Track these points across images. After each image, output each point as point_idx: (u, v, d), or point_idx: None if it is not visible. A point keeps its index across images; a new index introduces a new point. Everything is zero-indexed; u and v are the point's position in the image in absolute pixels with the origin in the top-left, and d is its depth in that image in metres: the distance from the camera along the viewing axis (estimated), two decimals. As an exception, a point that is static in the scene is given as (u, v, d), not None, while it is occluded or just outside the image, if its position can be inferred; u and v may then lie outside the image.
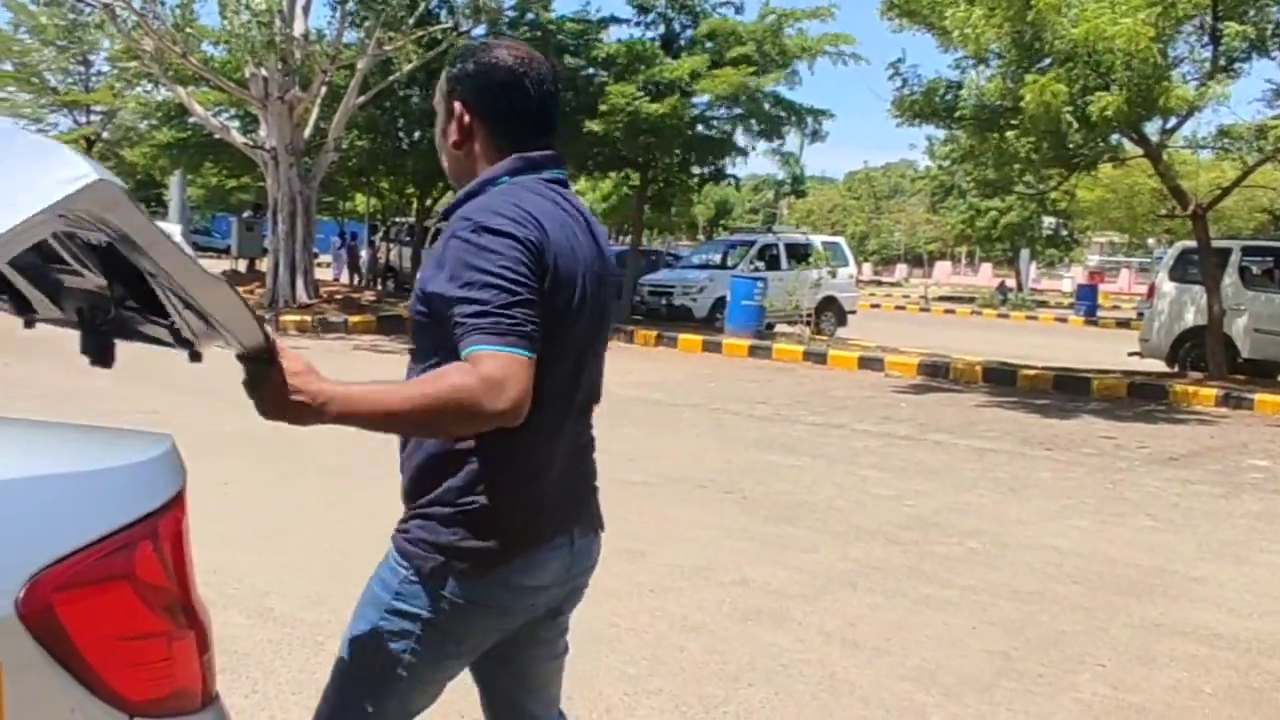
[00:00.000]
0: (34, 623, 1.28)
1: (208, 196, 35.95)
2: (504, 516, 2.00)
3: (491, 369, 1.75)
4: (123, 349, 1.85)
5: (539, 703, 2.40)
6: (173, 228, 1.71)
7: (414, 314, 2.01)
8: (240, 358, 1.68)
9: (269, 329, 1.69)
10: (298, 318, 18.33)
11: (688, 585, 5.48)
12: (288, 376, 1.70)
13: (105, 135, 37.07)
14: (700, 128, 20.20)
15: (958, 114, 14.53)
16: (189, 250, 1.43)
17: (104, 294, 1.66)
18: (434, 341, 1.95)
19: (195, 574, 1.53)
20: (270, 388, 1.70)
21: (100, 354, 1.75)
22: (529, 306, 1.84)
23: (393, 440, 2.09)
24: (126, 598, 1.37)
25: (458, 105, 2.09)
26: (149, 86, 25.11)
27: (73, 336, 1.83)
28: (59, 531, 1.33)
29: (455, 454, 1.97)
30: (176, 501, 1.46)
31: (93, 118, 37.49)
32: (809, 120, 21.31)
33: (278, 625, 4.61)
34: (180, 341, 1.70)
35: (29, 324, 2.04)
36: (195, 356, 1.75)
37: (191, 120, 22.54)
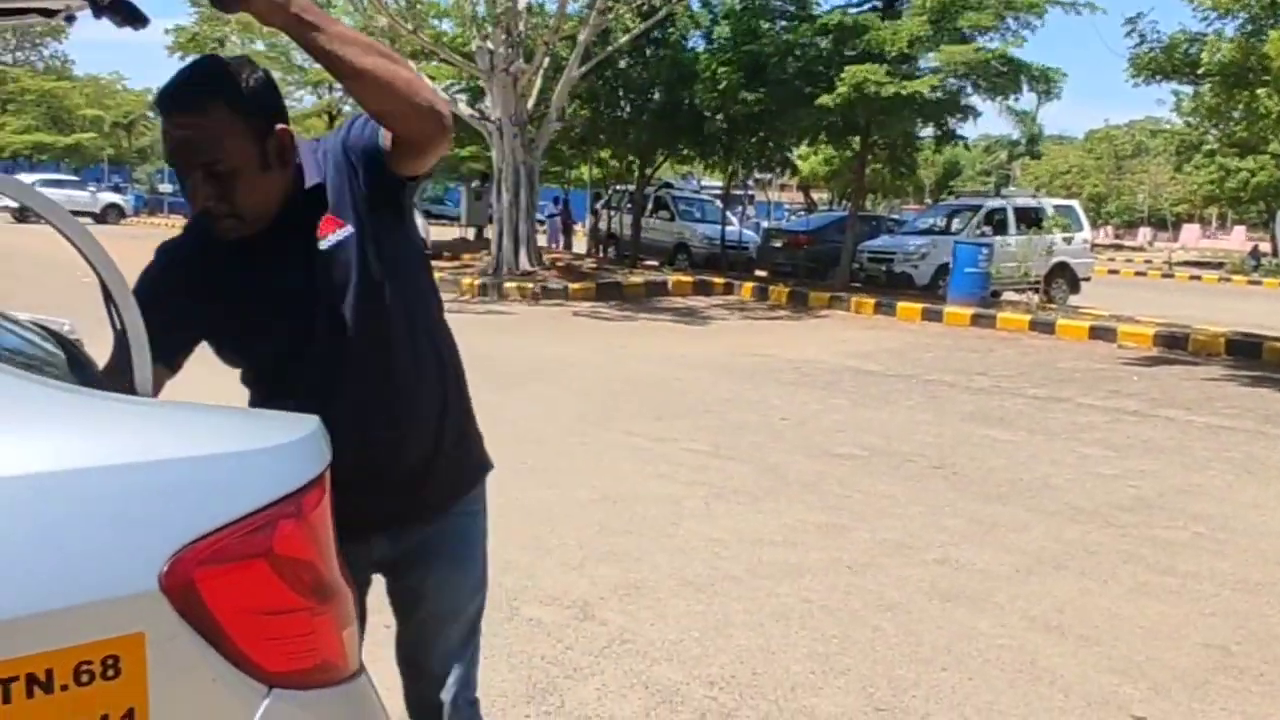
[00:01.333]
0: (177, 596, 1.35)
1: (440, 166, 37.26)
2: None
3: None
4: None
5: None
6: None
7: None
8: None
9: None
10: (519, 284, 18.85)
11: (887, 562, 5.37)
12: None
13: (345, 109, 38.96)
14: (926, 91, 19.52)
15: (1201, 70, 13.59)
16: None
17: None
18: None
19: (336, 551, 1.59)
20: None
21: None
22: None
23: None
24: (267, 574, 1.43)
25: (281, 128, 2.02)
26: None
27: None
28: (203, 509, 1.39)
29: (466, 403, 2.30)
30: (319, 481, 1.51)
31: (334, 92, 39.48)
32: (1039, 81, 20.32)
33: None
34: None
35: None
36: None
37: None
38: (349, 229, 2.05)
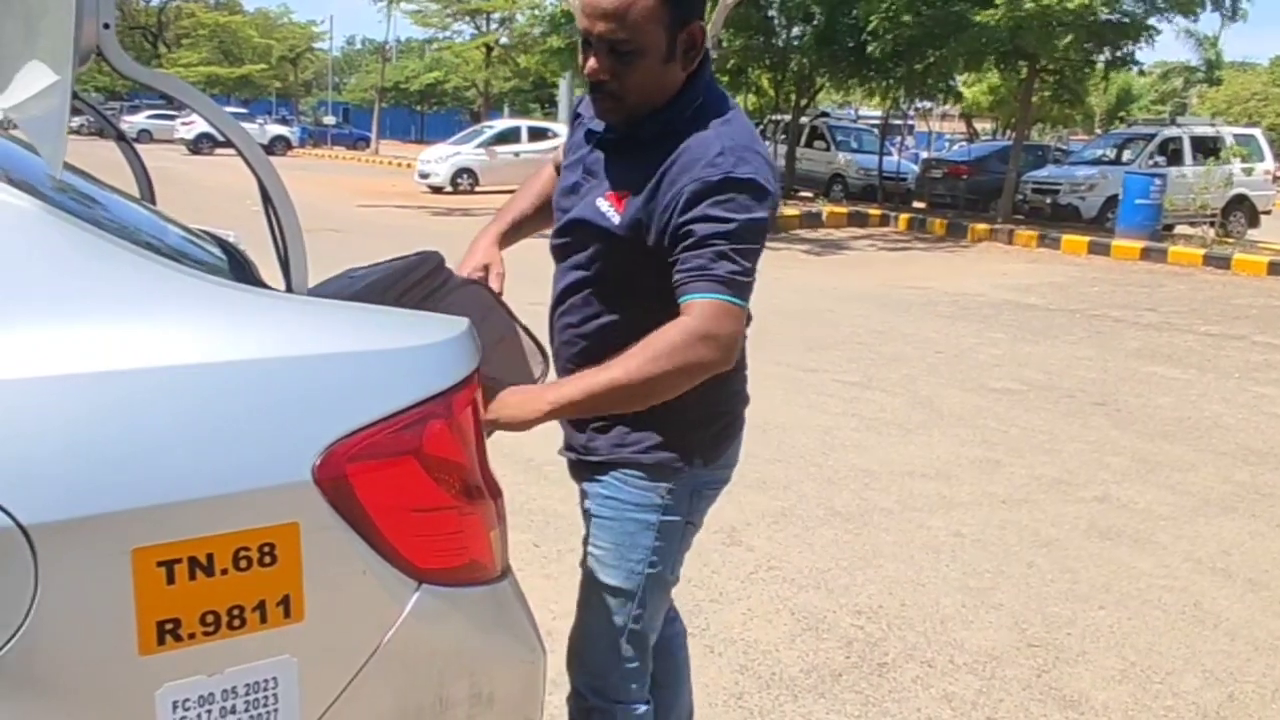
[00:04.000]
0: (329, 489, 1.39)
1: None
2: (725, 407, 2.18)
3: (716, 319, 1.84)
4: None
5: None
6: None
7: (616, 228, 1.99)
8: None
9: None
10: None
11: (1044, 498, 5.23)
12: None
13: (503, 41, 39.30)
14: (1101, 9, 18.47)
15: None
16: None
17: None
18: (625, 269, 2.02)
19: (486, 452, 1.61)
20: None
21: None
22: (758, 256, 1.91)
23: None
24: (417, 472, 1.46)
25: (698, 24, 1.95)
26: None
27: None
28: (354, 405, 1.43)
29: None
30: (468, 383, 1.53)
31: (492, 25, 39.79)
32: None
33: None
34: None
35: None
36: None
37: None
38: (616, 220, 1.98)
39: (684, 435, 2.08)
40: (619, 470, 2.09)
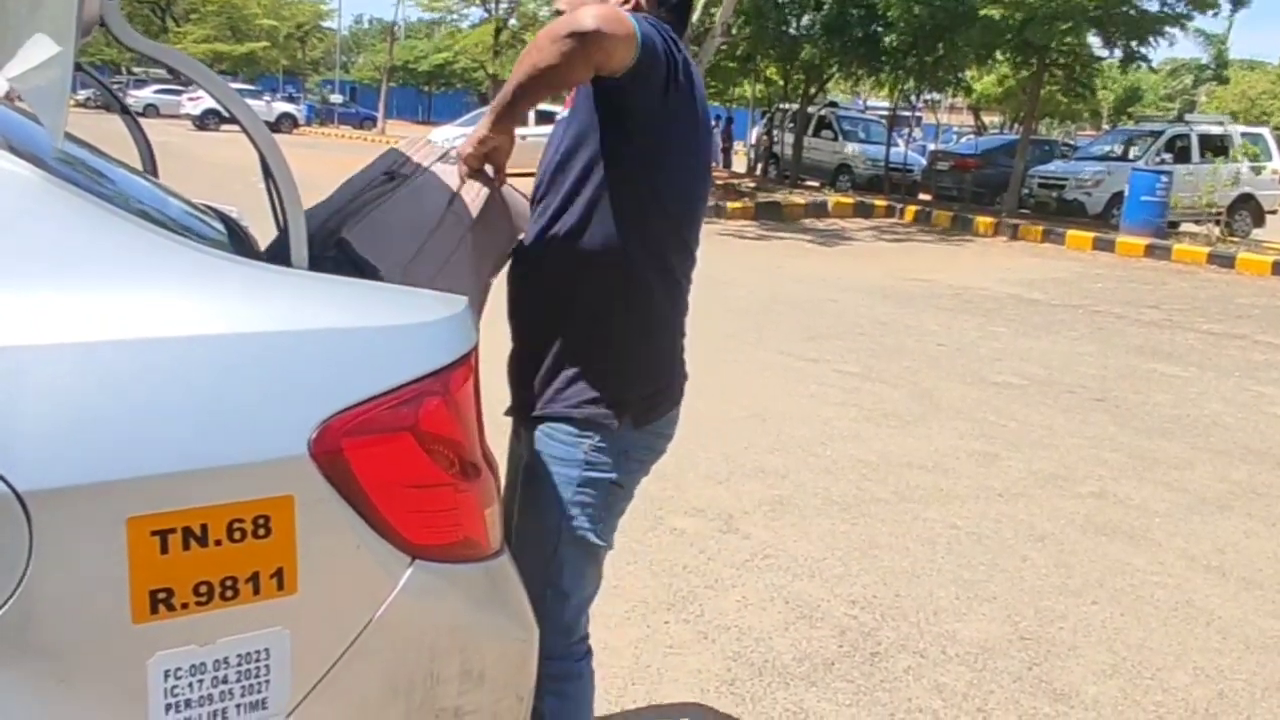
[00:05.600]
0: (325, 463, 1.40)
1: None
2: (659, 370, 2.19)
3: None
4: None
5: None
6: None
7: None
8: None
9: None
10: (677, 202, 18.74)
11: (1040, 493, 5.24)
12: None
13: (511, 23, 39.21)
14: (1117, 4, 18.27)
15: None
16: None
17: None
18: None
19: (484, 430, 1.61)
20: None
21: None
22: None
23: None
24: (412, 448, 1.47)
25: None
26: (550, -24, 26.09)
27: None
28: (351, 380, 1.43)
29: (598, 313, 2.10)
30: (466, 360, 1.54)
31: (501, 7, 39.72)
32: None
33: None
34: None
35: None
36: None
37: (587, 8, 23.27)
38: (567, 113, 2.13)
39: (616, 394, 2.10)
40: (548, 424, 2.12)
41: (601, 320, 2.09)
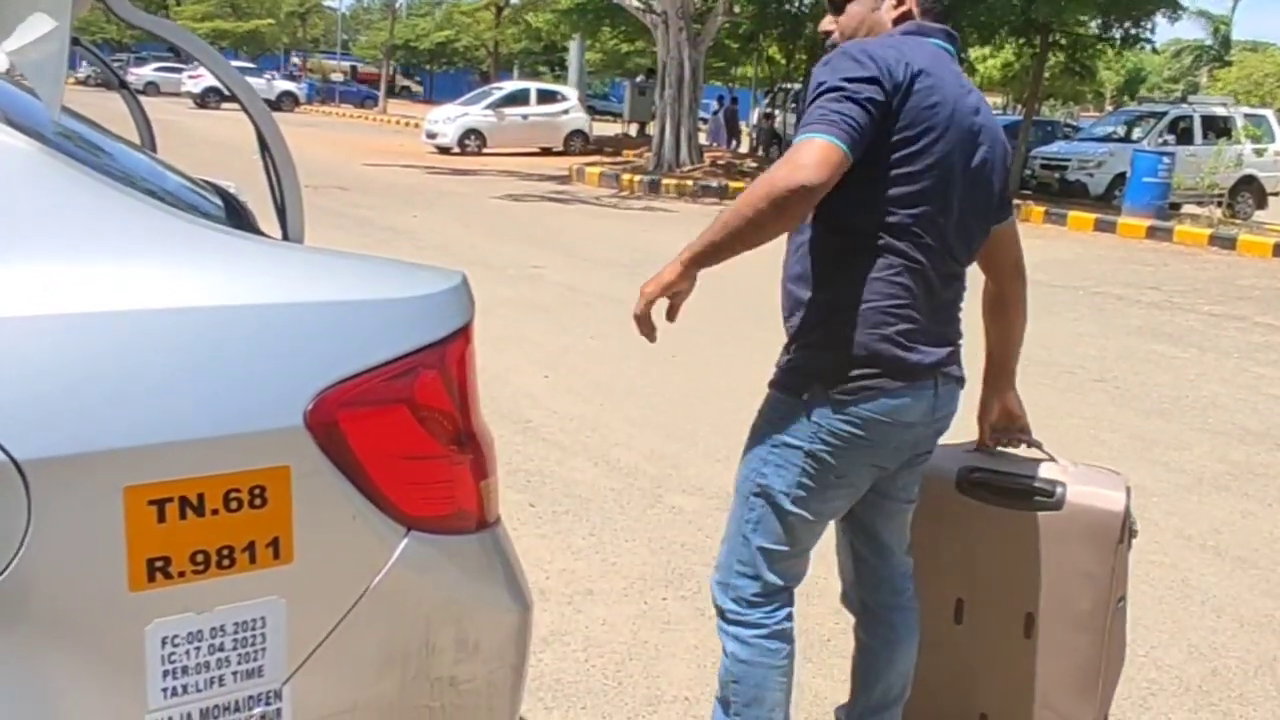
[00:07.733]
0: (321, 434, 1.42)
1: (605, 61, 37.31)
2: (872, 346, 2.10)
3: (795, 150, 1.93)
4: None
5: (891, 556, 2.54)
6: None
7: None
8: None
9: None
10: (678, 181, 18.77)
11: (1038, 472, 5.24)
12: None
13: (514, 1, 39.06)
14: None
15: None
16: None
17: None
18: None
19: (479, 403, 1.63)
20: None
21: None
22: (859, 105, 1.95)
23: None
24: (408, 420, 1.48)
25: None
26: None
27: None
28: (347, 352, 1.45)
29: (822, 281, 2.15)
30: (462, 333, 1.55)
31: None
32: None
33: (621, 475, 4.84)
34: None
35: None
36: None
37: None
38: None
39: (808, 361, 2.20)
40: (771, 389, 2.28)
41: None
